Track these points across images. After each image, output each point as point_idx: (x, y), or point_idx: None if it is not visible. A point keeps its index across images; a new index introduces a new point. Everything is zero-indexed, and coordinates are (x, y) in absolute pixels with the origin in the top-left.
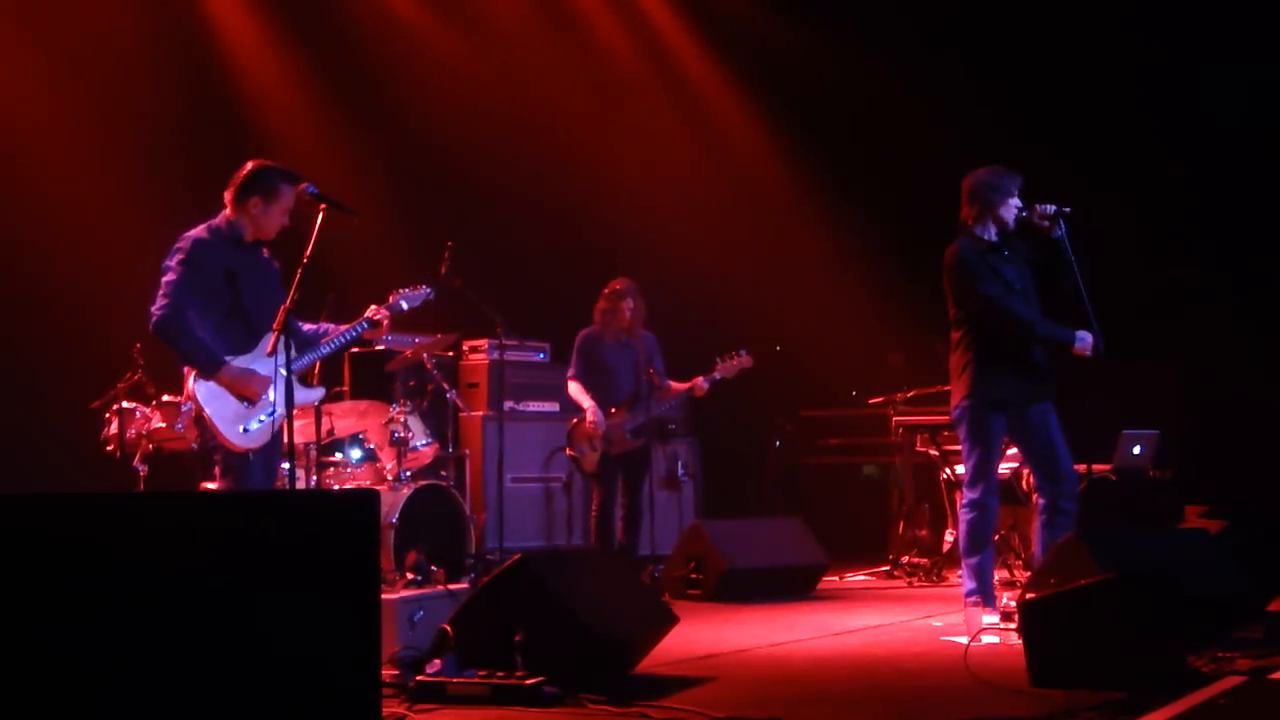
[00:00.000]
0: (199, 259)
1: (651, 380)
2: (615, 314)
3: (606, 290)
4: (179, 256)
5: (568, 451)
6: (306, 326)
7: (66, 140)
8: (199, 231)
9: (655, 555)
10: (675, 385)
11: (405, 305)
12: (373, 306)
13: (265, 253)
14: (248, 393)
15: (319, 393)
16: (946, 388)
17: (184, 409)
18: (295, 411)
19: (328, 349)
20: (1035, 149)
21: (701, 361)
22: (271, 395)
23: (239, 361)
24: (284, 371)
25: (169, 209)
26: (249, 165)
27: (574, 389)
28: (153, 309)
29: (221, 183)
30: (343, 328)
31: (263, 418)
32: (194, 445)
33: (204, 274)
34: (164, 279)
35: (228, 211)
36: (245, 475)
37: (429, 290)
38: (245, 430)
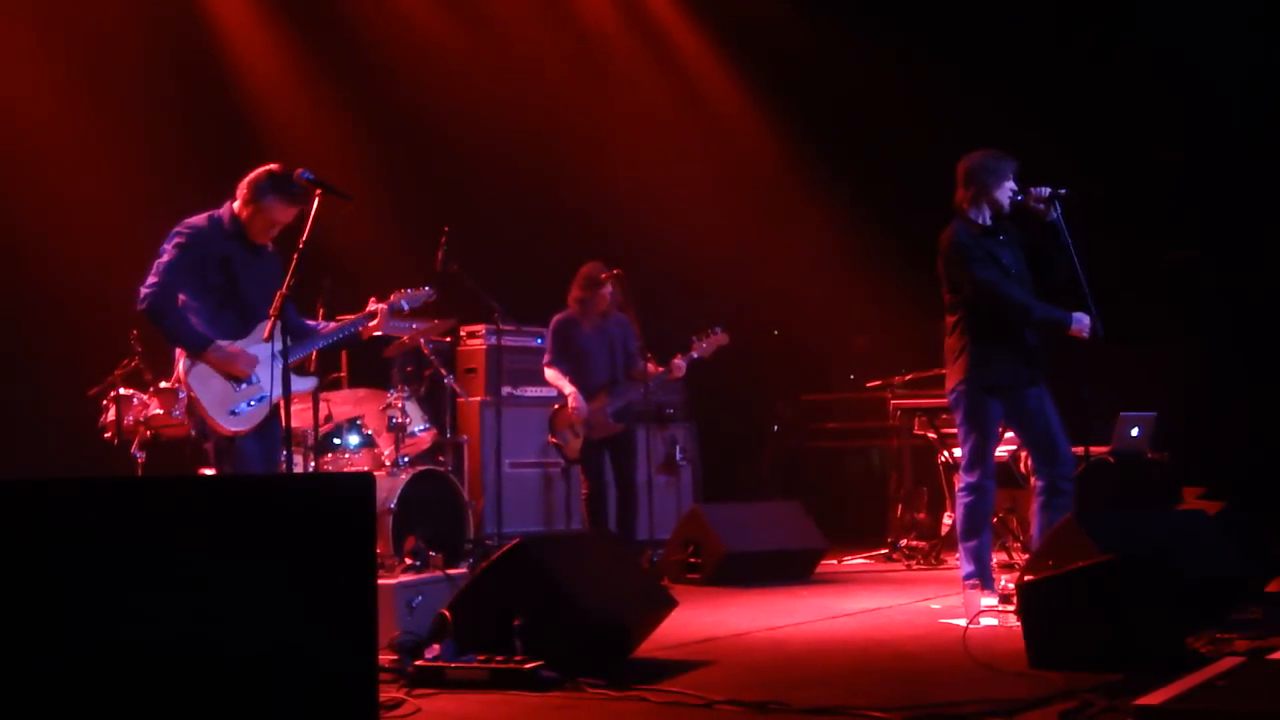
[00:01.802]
0: (195, 245)
1: (630, 362)
2: (597, 299)
3: (581, 275)
4: (175, 240)
5: (550, 439)
6: (307, 322)
7: (65, 127)
8: (199, 219)
9: (653, 539)
10: (652, 367)
11: (406, 305)
12: (372, 299)
13: (269, 246)
14: (235, 370)
15: (312, 381)
16: (944, 371)
17: (180, 395)
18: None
19: (323, 342)
20: (1031, 128)
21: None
22: (260, 377)
23: (233, 345)
24: (278, 356)
25: (168, 196)
26: (262, 167)
27: (551, 375)
28: (142, 288)
29: (219, 169)
30: (340, 322)
31: (252, 401)
32: (192, 432)
33: (199, 260)
34: (157, 260)
35: (235, 203)
36: (237, 460)
37: (430, 291)
38: (233, 413)
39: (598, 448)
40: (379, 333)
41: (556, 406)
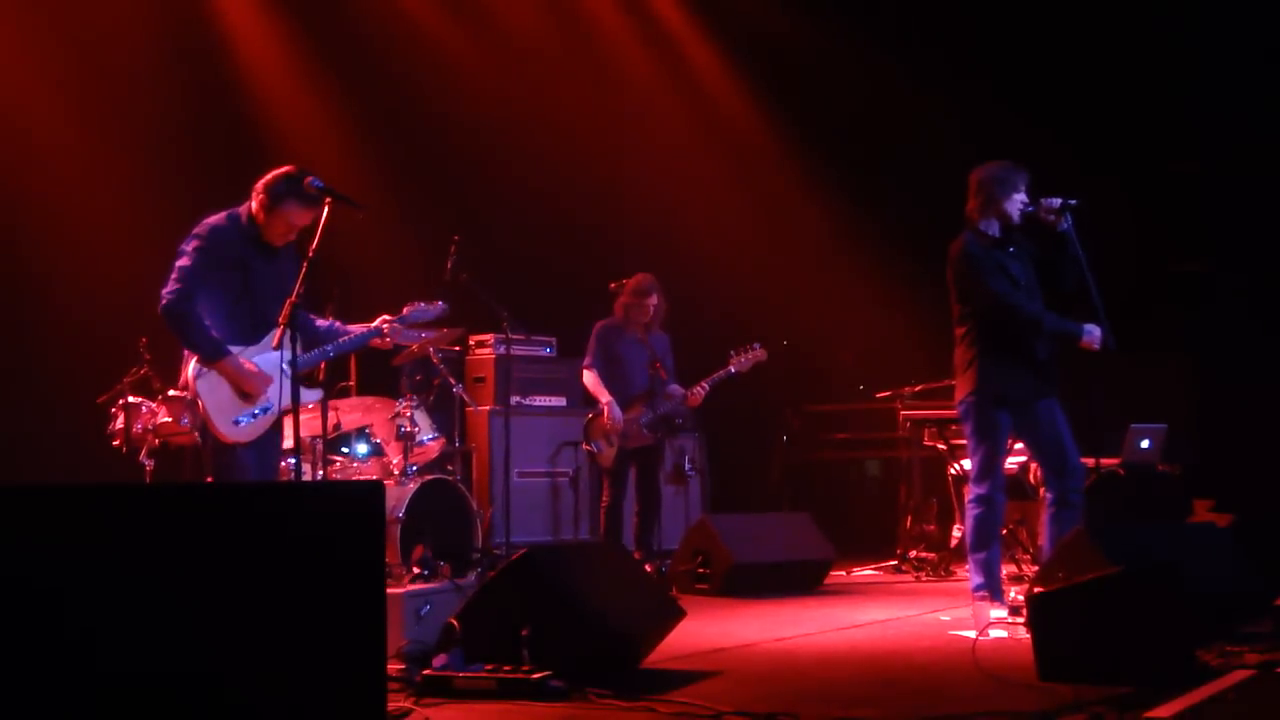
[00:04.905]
0: (215, 247)
1: (658, 376)
2: (641, 310)
3: (632, 284)
4: (195, 243)
5: (584, 446)
6: (319, 322)
7: (72, 135)
8: (219, 219)
9: (662, 550)
10: (678, 388)
11: (417, 319)
12: (384, 317)
13: (286, 247)
14: (248, 388)
15: (318, 393)
16: (953, 382)
17: (187, 398)
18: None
19: (333, 352)
20: (1042, 139)
21: (708, 356)
22: (270, 394)
23: (245, 353)
24: (287, 367)
25: (175, 203)
26: (279, 170)
27: (590, 380)
28: (163, 291)
29: (229, 177)
30: (353, 330)
31: (256, 412)
32: (195, 434)
33: (218, 262)
34: (178, 263)
35: (252, 204)
36: (233, 470)
37: (443, 307)
38: (236, 423)
39: (628, 458)
40: (389, 347)
41: (591, 415)
